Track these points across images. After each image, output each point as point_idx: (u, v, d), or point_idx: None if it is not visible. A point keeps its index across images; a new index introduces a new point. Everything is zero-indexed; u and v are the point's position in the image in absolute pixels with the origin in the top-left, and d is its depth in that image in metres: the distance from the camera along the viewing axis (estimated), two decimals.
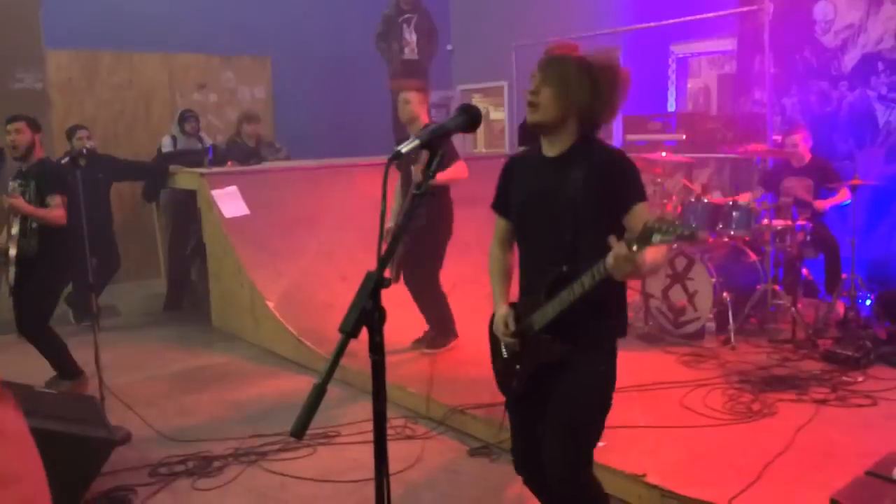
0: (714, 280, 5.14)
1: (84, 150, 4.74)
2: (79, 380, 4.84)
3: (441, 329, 5.23)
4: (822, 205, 5.54)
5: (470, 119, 1.70)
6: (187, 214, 6.83)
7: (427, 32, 7.72)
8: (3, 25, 6.46)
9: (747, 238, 5.45)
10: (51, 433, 3.07)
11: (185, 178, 6.58)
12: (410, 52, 7.75)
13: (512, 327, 2.39)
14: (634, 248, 1.96)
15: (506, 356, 2.49)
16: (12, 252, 4.75)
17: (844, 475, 3.06)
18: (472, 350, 5.21)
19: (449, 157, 4.83)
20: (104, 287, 6.71)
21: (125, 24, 8.07)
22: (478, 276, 5.38)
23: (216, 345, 5.97)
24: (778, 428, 3.72)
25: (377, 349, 1.35)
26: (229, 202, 6.10)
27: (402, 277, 5.12)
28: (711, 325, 5.24)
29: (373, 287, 1.35)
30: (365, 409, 4.30)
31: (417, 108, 5.00)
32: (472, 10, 10.14)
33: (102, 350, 4.25)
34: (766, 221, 5.28)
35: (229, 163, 6.86)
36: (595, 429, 2.34)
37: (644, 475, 3.21)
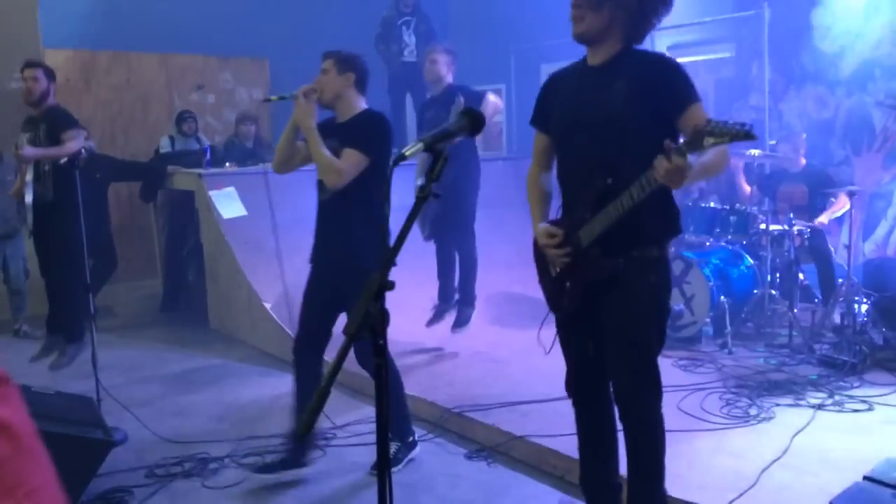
0: (711, 284, 5.15)
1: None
2: (80, 342, 4.87)
3: (465, 296, 5.24)
4: (823, 220, 5.54)
5: (472, 122, 1.70)
6: (185, 215, 6.82)
7: (427, 36, 7.71)
8: (2, 26, 6.44)
9: (744, 242, 5.47)
10: (47, 434, 3.05)
11: (182, 179, 6.57)
12: (409, 55, 7.75)
13: (560, 237, 2.34)
14: (685, 155, 1.88)
15: (554, 275, 2.44)
16: (28, 199, 4.75)
17: (842, 480, 3.07)
18: (469, 352, 5.22)
19: (476, 100, 4.91)
20: (101, 288, 6.69)
21: (123, 24, 8.05)
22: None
23: (213, 346, 5.95)
24: (775, 433, 3.73)
25: (380, 352, 1.35)
26: (227, 203, 6.09)
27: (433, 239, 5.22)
28: (708, 329, 5.25)
29: (377, 290, 1.34)
30: (359, 410, 4.30)
31: (444, 68, 5.13)
32: (469, 12, 10.15)
33: (99, 351, 4.25)
34: (763, 226, 5.29)
35: (227, 164, 6.85)
36: (656, 342, 2.32)
37: None
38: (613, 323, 2.30)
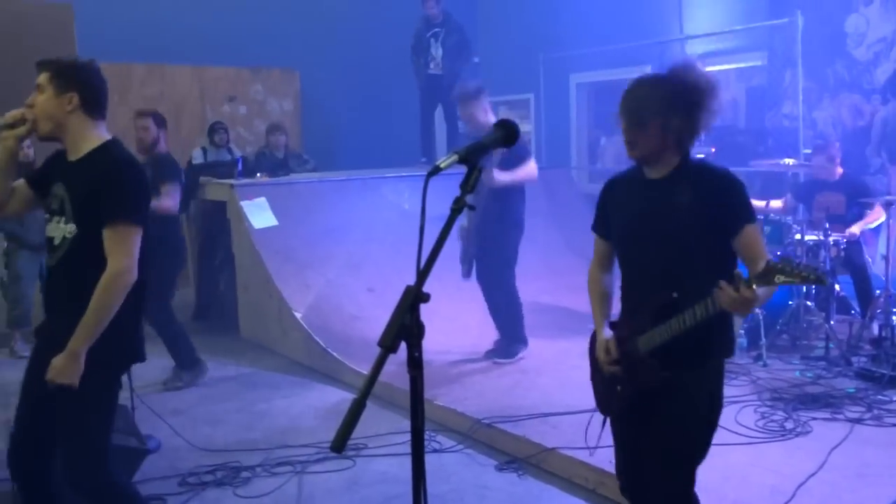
0: None
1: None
2: (198, 368, 5.13)
3: (511, 335, 5.23)
4: (855, 230, 5.44)
5: (507, 134, 1.70)
6: (217, 225, 6.88)
7: (456, 48, 7.68)
8: (38, 39, 6.56)
9: (779, 252, 5.39)
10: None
11: (214, 190, 6.64)
12: (435, 68, 7.74)
13: (614, 355, 2.35)
14: (753, 288, 1.94)
15: (607, 377, 2.45)
16: None
17: (879, 496, 3.02)
18: (500, 363, 5.20)
19: (519, 157, 4.88)
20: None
21: (157, 37, 8.19)
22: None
23: (244, 355, 6.00)
24: (811, 447, 3.66)
25: (416, 364, 1.34)
26: (258, 213, 6.15)
27: (474, 275, 5.17)
28: (743, 341, 5.17)
29: (412, 302, 1.34)
30: (390, 420, 4.30)
31: (481, 115, 5.06)
32: (499, 22, 10.17)
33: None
34: (798, 236, 5.22)
35: (258, 174, 6.91)
36: (698, 453, 2.30)
37: None
38: (657, 427, 2.29)
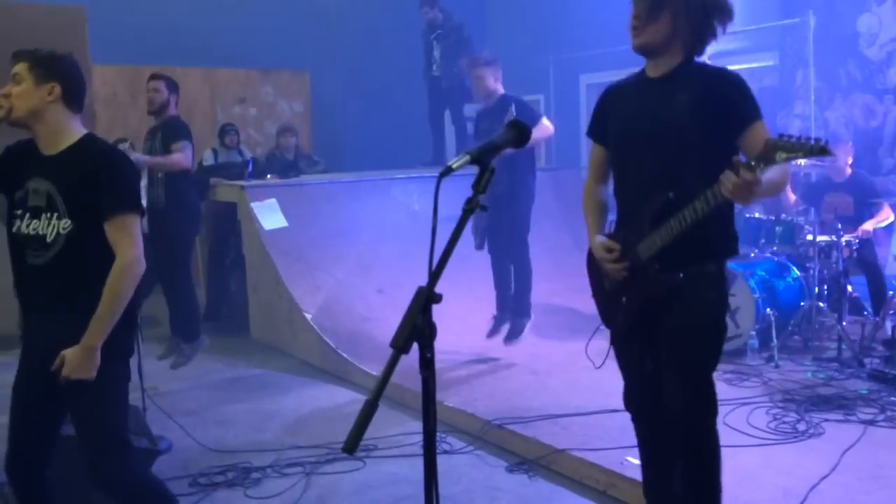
0: (757, 296, 5.06)
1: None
2: (198, 341, 5.19)
3: (518, 307, 5.23)
4: (868, 227, 5.42)
5: (519, 134, 1.69)
6: (227, 226, 6.91)
7: (453, 48, 7.70)
8: (52, 42, 6.59)
9: (790, 254, 5.37)
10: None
11: (225, 191, 6.66)
12: (437, 70, 7.77)
13: (617, 252, 2.30)
14: (755, 170, 1.85)
15: (609, 289, 2.41)
16: (143, 202, 5.01)
17: (893, 498, 3.00)
18: (509, 364, 5.19)
19: (531, 119, 4.88)
20: (146, 298, 6.80)
21: (168, 40, 8.23)
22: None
23: (254, 355, 6.01)
24: (824, 449, 3.64)
25: (427, 366, 1.34)
26: (268, 214, 6.17)
27: (485, 245, 5.21)
28: (754, 342, 5.15)
29: (424, 303, 1.34)
30: (400, 421, 4.30)
31: (490, 81, 5.11)
32: (509, 22, 10.16)
33: (144, 359, 4.31)
34: (810, 237, 5.19)
35: (269, 176, 6.93)
36: (712, 360, 2.27)
37: None
38: (669, 339, 2.26)
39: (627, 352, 2.47)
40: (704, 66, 2.25)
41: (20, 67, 2.43)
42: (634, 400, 2.50)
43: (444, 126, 8.07)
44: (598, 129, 2.46)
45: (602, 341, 2.68)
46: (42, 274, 2.43)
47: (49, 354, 2.36)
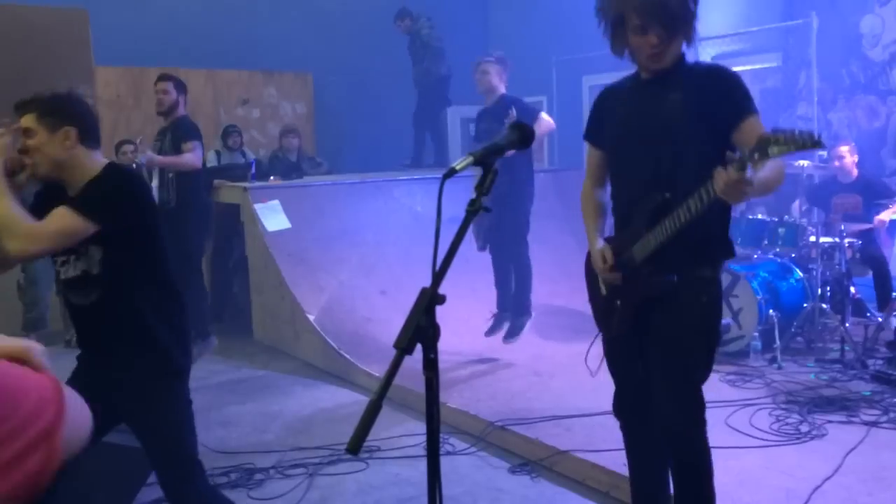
0: (759, 297, 5.06)
1: (134, 166, 4.91)
2: (208, 341, 5.21)
3: (518, 307, 5.25)
4: (882, 221, 5.40)
5: (522, 135, 1.70)
6: (230, 228, 6.92)
7: (420, 50, 7.99)
8: (56, 44, 6.63)
9: (793, 255, 5.37)
10: (97, 443, 3.11)
11: (228, 192, 6.67)
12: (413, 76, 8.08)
13: (610, 260, 2.30)
14: (748, 165, 1.82)
15: (605, 293, 2.40)
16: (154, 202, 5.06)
17: None
18: (511, 365, 5.19)
19: (530, 115, 4.93)
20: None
21: (172, 41, 8.26)
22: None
23: (257, 357, 6.02)
24: (827, 450, 3.63)
25: (431, 366, 1.34)
26: (271, 216, 6.18)
27: (487, 248, 5.24)
28: (757, 344, 5.15)
29: (428, 304, 1.34)
30: (403, 423, 4.31)
31: (495, 78, 5.16)
32: (511, 24, 10.17)
33: None
34: (813, 238, 5.19)
35: (272, 177, 6.95)
36: (703, 367, 2.25)
37: None
38: (660, 342, 2.24)
39: (620, 358, 2.45)
40: (697, 63, 2.25)
41: (29, 120, 2.31)
42: (625, 407, 2.48)
43: (425, 130, 8.21)
44: (595, 133, 2.46)
45: (601, 348, 2.68)
46: (95, 311, 2.40)
47: (112, 388, 2.35)
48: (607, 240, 2.41)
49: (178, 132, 5.06)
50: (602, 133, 2.41)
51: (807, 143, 1.77)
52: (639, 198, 2.24)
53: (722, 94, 2.13)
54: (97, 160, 2.41)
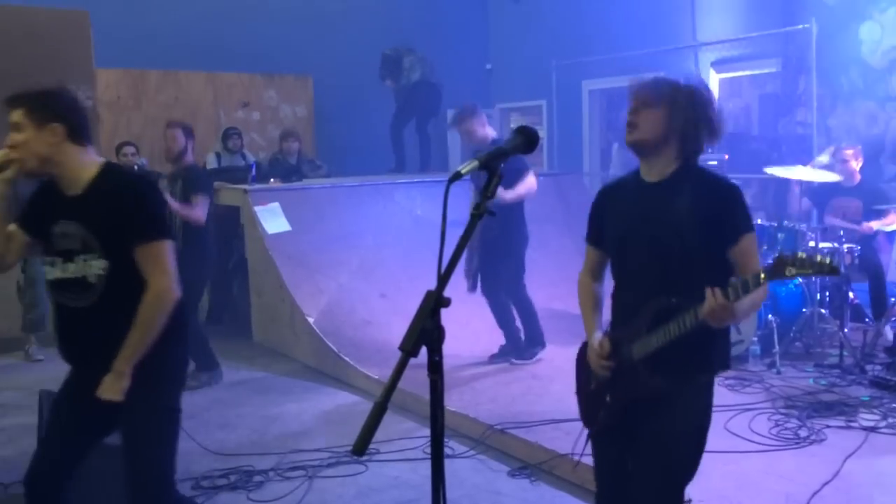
0: None
1: (136, 168, 4.92)
2: (215, 372, 5.28)
3: (531, 338, 5.29)
4: (870, 227, 5.44)
5: (527, 140, 1.70)
6: (230, 230, 6.92)
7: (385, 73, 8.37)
8: (56, 46, 6.63)
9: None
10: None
11: (228, 195, 6.68)
12: None
13: (607, 351, 2.29)
14: (747, 289, 1.89)
15: (594, 387, 2.39)
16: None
17: None
18: (511, 369, 5.20)
19: (518, 172, 4.94)
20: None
21: (172, 44, 8.26)
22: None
23: (257, 359, 6.02)
24: (826, 455, 3.65)
25: (436, 368, 1.35)
26: (271, 218, 6.18)
27: (479, 288, 5.22)
28: (756, 349, 5.16)
29: (433, 306, 1.35)
30: (402, 425, 4.31)
31: (479, 129, 5.16)
32: (511, 28, 10.19)
33: None
34: (812, 244, 5.20)
35: (272, 180, 6.95)
36: (689, 471, 2.23)
37: (689, 502, 3.16)
38: (649, 441, 2.21)
39: (605, 453, 2.42)
40: (703, 172, 2.24)
41: (17, 115, 2.31)
42: (605, 501, 2.46)
43: (400, 135, 8.46)
44: (595, 234, 2.45)
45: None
46: (84, 318, 2.38)
47: (105, 409, 2.34)
48: (605, 333, 2.39)
49: (189, 184, 5.07)
50: (602, 233, 2.41)
51: (824, 268, 1.82)
52: (642, 299, 2.22)
53: (724, 210, 2.15)
54: (90, 158, 2.40)
